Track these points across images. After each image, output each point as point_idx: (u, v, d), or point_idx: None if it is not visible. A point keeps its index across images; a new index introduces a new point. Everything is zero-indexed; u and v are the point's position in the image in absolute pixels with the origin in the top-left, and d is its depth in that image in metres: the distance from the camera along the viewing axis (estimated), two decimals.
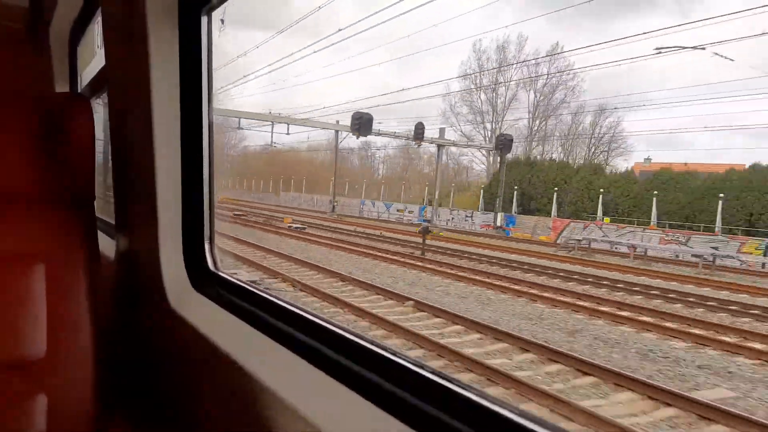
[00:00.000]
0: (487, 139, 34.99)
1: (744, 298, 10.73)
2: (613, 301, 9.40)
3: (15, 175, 1.19)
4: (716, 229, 19.75)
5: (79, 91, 2.63)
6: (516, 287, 10.25)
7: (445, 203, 31.74)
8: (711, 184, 21.85)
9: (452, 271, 11.77)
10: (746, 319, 8.77)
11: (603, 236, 21.62)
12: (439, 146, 25.01)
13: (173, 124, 1.27)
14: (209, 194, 1.33)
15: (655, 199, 22.27)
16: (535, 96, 36.73)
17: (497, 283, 10.67)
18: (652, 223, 21.70)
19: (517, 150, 36.18)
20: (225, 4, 1.22)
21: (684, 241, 19.61)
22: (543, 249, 18.65)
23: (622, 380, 5.28)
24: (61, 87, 2.68)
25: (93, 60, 2.66)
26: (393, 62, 54.24)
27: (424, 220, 26.17)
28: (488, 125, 38.00)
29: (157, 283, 1.32)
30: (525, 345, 6.33)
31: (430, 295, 9.18)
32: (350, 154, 44.42)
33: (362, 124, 21.07)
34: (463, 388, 0.68)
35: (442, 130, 24.76)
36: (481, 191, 30.44)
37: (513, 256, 15.43)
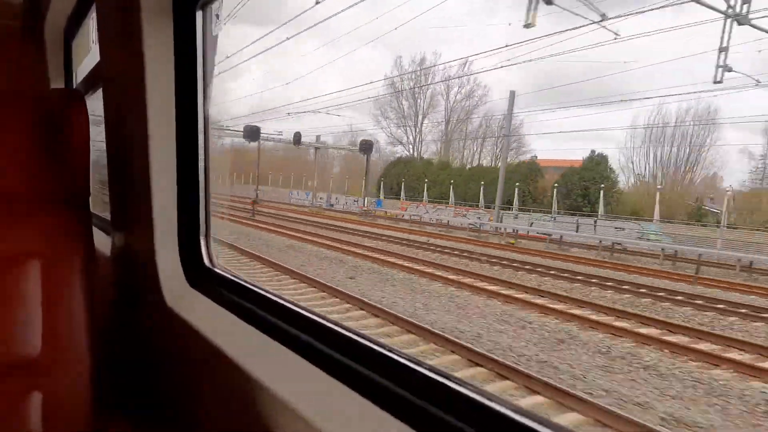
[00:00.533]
0: (413, 138, 45.11)
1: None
2: (324, 236, 18.64)
3: (8, 173, 1.18)
4: (479, 205, 29.63)
5: (74, 86, 2.63)
6: (282, 230, 18.46)
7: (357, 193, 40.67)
8: (494, 175, 31.50)
9: (255, 224, 20.61)
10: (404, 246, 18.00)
11: (426, 212, 31.20)
12: (316, 148, 34.45)
13: (169, 119, 1.26)
14: (205, 191, 1.33)
15: (451, 186, 31.98)
16: (449, 103, 46.21)
17: (275, 228, 19.05)
18: (450, 203, 31.46)
19: (439, 149, 45.27)
20: None
21: (465, 213, 29.22)
22: (361, 219, 28.12)
23: (268, 263, 14.56)
24: (57, 83, 2.65)
25: (88, 55, 2.64)
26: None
27: (328, 203, 35.92)
28: (412, 127, 47.58)
29: (153, 281, 1.31)
30: (239, 251, 13.33)
31: (221, 231, 18.15)
32: (307, 150, 52.99)
33: (251, 133, 30.21)
34: (462, 386, 0.68)
35: (318, 137, 34.14)
36: (362, 182, 39.87)
37: (328, 221, 24.12)
